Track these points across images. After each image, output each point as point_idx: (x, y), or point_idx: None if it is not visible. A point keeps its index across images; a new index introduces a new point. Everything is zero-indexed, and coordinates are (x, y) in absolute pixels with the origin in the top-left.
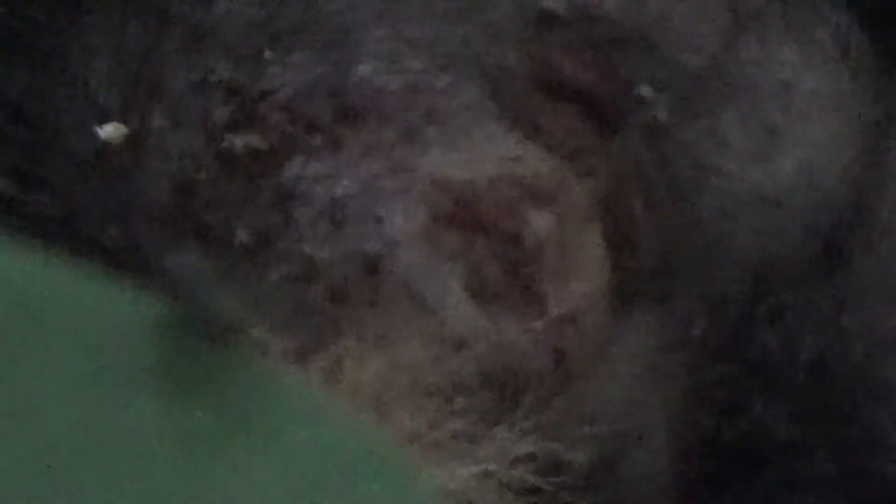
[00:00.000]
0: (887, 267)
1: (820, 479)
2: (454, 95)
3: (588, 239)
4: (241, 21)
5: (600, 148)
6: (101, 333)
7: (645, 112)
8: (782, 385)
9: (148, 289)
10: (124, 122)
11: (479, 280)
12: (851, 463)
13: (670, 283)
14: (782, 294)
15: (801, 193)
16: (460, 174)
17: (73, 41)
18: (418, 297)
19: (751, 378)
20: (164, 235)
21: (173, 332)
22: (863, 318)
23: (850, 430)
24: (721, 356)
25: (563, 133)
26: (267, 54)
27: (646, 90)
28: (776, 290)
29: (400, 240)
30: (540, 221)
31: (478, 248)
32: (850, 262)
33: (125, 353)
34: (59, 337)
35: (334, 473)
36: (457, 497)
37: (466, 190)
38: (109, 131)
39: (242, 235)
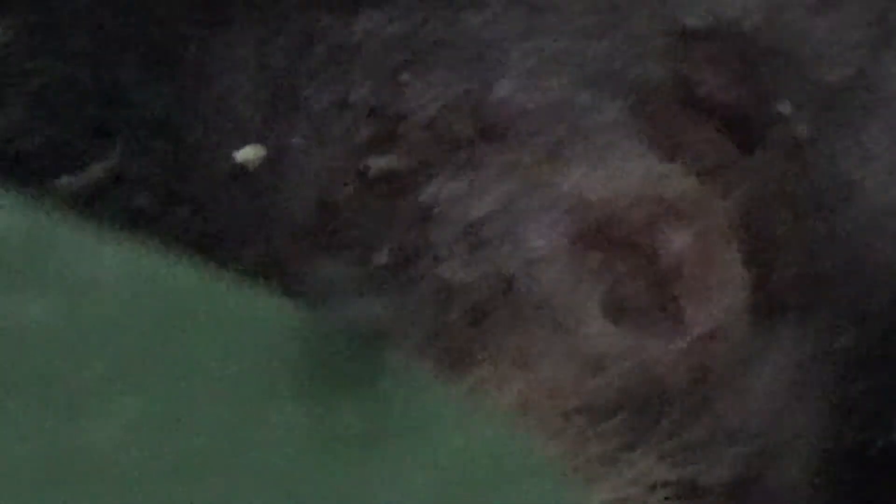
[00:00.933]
0: None
1: None
2: (596, 113)
3: (729, 255)
4: (383, 39)
5: (741, 164)
6: (249, 340)
7: (786, 127)
8: None
9: (294, 297)
10: (264, 141)
11: (619, 299)
12: None
13: (813, 297)
14: None
15: None
16: (601, 193)
17: (218, 56)
18: (558, 317)
19: None
20: (304, 253)
21: (321, 338)
22: None
23: None
24: (867, 368)
25: (704, 150)
26: (407, 74)
27: (786, 105)
28: None
29: (539, 259)
30: (680, 239)
31: (617, 267)
32: None
33: (272, 359)
34: (206, 344)
35: (486, 482)
36: None
37: (607, 208)
38: (246, 154)
39: (382, 255)
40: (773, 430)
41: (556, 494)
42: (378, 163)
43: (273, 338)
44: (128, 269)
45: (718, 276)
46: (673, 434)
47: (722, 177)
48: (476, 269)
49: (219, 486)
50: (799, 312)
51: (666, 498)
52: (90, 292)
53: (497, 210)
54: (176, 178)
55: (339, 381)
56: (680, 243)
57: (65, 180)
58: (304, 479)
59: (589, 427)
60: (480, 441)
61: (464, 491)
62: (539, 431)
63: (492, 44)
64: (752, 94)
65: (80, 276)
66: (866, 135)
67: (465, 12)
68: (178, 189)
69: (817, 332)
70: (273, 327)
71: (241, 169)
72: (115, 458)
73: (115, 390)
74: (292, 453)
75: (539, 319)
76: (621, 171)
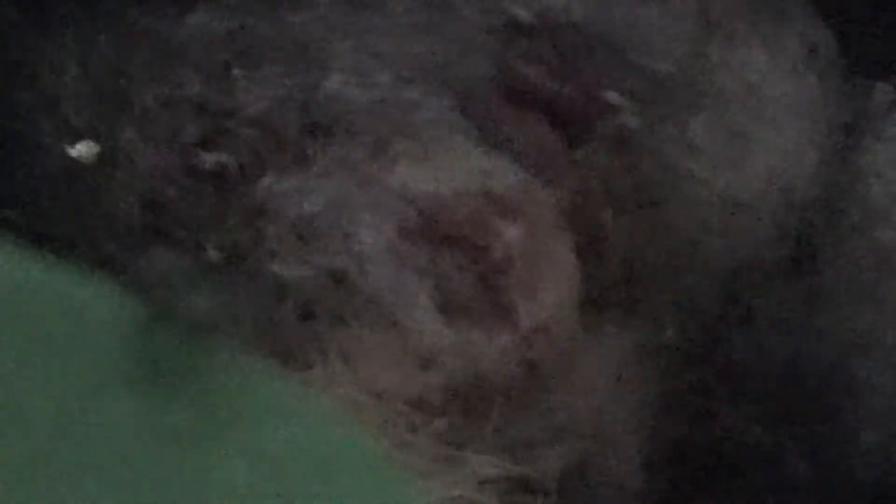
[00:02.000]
0: (857, 267)
1: (793, 483)
2: (422, 108)
3: (557, 249)
4: (210, 36)
5: (568, 157)
6: (81, 332)
7: (613, 119)
8: (754, 389)
9: (125, 289)
10: (94, 138)
11: (447, 294)
12: (825, 466)
13: (640, 290)
14: (753, 297)
15: (771, 196)
16: (428, 188)
17: (43, 55)
18: (386, 312)
19: (722, 383)
20: (134, 251)
21: (151, 331)
22: (833, 319)
23: (823, 432)
24: (692, 362)
25: (531, 143)
26: (235, 70)
27: (613, 97)
28: (747, 293)
29: (368, 255)
30: (508, 233)
31: (446, 262)
32: (821, 263)
33: (104, 351)
34: (38, 336)
35: (314, 474)
36: None
37: (434, 203)
38: (81, 149)
39: (212, 253)
40: (600, 425)
41: (385, 487)
42: (208, 159)
43: (103, 332)
44: None
45: (547, 270)
46: (502, 430)
47: (550, 170)
48: (307, 265)
49: (52, 482)
50: (625, 306)
51: (497, 494)
52: None
53: (327, 206)
54: (2, 178)
55: (169, 374)
56: (508, 238)
57: None
58: (135, 472)
59: (418, 425)
60: (309, 434)
61: (292, 483)
62: (368, 429)
63: (318, 41)
64: (579, 87)
65: None
66: (693, 126)
67: (289, 10)
68: (4, 188)
69: (644, 325)
70: (103, 321)
71: (72, 166)
72: None
73: None
74: (123, 447)
75: (368, 315)
76: (448, 167)
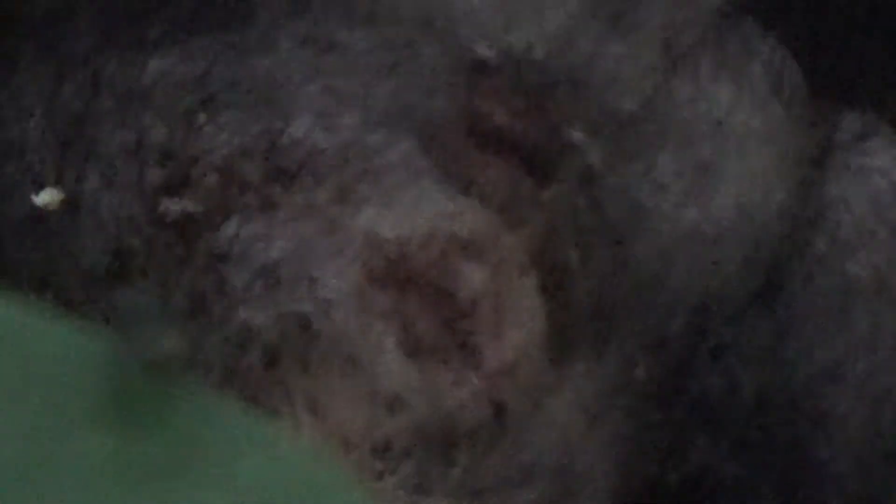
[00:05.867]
0: (825, 298)
1: None
2: (386, 151)
3: (522, 290)
4: (174, 82)
5: (534, 197)
6: (50, 369)
7: (578, 158)
8: (725, 423)
9: (92, 331)
10: (59, 186)
11: (413, 337)
12: (796, 497)
13: (608, 328)
14: (722, 331)
15: (739, 229)
16: (394, 232)
17: (6, 102)
18: (352, 357)
19: (693, 418)
20: (100, 295)
21: (121, 367)
22: (802, 350)
23: (794, 463)
24: (662, 398)
25: (497, 185)
26: (200, 117)
27: (577, 136)
28: (716, 327)
29: (333, 300)
30: (473, 275)
31: (412, 306)
32: (788, 295)
33: (74, 388)
34: (7, 372)
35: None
36: None
37: (399, 247)
38: (45, 198)
39: (178, 300)
40: (570, 465)
41: None
42: (172, 206)
43: (76, 367)
44: None
45: (513, 311)
46: (469, 473)
47: (515, 210)
48: (272, 311)
49: None
50: (594, 345)
51: None
52: None
53: (292, 251)
54: None
55: (140, 411)
56: (474, 280)
57: None
58: None
59: (384, 471)
60: (279, 464)
61: None
62: (337, 474)
63: (283, 85)
64: (544, 125)
65: None
66: (657, 163)
67: (253, 54)
68: None
69: (613, 363)
70: (76, 356)
71: (38, 213)
72: None
73: None
74: (95, 484)
75: (334, 360)
76: (413, 210)
